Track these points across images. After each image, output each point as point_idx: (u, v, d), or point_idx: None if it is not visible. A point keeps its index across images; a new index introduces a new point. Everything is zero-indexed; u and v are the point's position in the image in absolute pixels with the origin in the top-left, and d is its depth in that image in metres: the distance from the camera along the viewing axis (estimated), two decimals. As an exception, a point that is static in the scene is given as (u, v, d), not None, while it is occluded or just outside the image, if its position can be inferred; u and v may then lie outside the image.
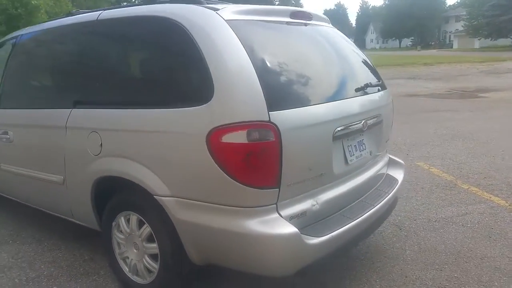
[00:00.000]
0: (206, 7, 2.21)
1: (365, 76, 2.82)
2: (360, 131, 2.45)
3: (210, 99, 1.95)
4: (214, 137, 1.91)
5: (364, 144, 2.57)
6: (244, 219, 1.96)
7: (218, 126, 1.90)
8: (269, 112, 1.89)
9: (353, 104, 2.44)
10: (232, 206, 1.97)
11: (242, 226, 1.95)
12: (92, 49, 2.70)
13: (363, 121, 2.43)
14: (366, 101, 2.58)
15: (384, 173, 2.94)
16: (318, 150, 2.15)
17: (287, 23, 2.44)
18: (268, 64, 2.09)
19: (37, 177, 2.95)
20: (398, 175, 2.97)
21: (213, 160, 1.92)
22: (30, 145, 3.04)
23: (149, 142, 2.19)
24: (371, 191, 2.68)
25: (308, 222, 2.13)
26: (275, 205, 1.99)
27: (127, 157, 2.27)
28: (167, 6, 2.33)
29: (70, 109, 2.62)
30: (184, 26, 2.13)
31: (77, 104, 2.62)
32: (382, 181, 2.86)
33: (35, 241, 3.40)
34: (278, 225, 1.95)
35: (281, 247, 1.97)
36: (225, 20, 2.10)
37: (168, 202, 2.13)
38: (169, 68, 2.26)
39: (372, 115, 2.58)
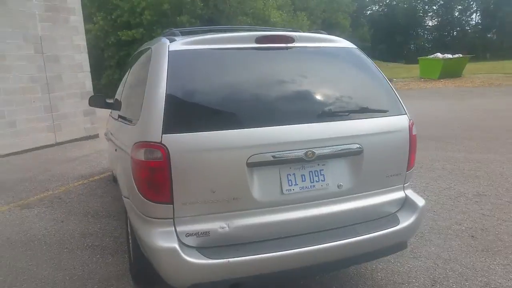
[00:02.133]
0: (170, 39, 2.51)
1: (341, 102, 2.51)
2: (303, 160, 2.25)
3: (138, 119, 2.29)
4: (132, 152, 2.23)
5: (323, 175, 2.35)
6: (150, 228, 2.17)
7: (135, 143, 2.20)
8: (163, 135, 2.06)
9: (290, 131, 2.23)
10: (143, 215, 2.22)
11: (147, 234, 2.18)
12: None
13: (306, 150, 2.24)
14: (321, 129, 2.31)
15: (387, 212, 2.56)
16: (223, 175, 2.13)
17: (253, 48, 2.47)
18: (182, 92, 2.21)
19: None
20: (406, 217, 2.53)
21: (131, 171, 2.25)
22: None
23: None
24: (344, 228, 2.41)
25: (215, 243, 2.16)
26: (172, 220, 2.12)
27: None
28: (159, 38, 2.74)
29: None
30: (151, 54, 2.53)
31: None
32: (375, 220, 2.50)
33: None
34: (164, 238, 2.08)
35: (163, 259, 2.10)
36: (168, 51, 2.35)
37: (125, 202, 2.57)
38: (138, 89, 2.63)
39: (333, 144, 2.32)
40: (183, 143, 2.07)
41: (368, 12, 58.16)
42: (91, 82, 9.85)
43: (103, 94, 4.23)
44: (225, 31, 2.98)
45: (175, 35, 2.59)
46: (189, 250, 2.10)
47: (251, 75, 2.45)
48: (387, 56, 43.86)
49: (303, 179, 2.30)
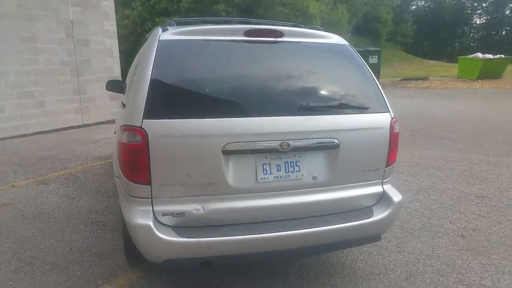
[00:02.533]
0: (164, 28, 2.65)
1: (322, 97, 2.58)
2: (278, 151, 2.35)
3: (128, 104, 2.47)
4: (118, 135, 2.41)
5: (298, 166, 2.45)
6: (131, 206, 2.34)
7: (120, 126, 2.38)
8: (143, 120, 2.22)
9: (266, 122, 2.34)
10: (127, 194, 2.40)
11: (128, 212, 2.35)
12: None
13: (281, 142, 2.34)
14: (298, 122, 2.41)
15: (363, 205, 2.63)
16: (199, 160, 2.26)
17: (241, 41, 2.58)
18: (165, 80, 2.34)
19: None
20: (380, 211, 2.60)
21: (119, 152, 2.43)
22: None
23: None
24: (317, 217, 2.51)
25: (190, 223, 2.32)
26: (150, 200, 2.29)
27: None
28: (156, 27, 2.90)
29: None
30: (145, 42, 2.71)
31: None
32: (349, 212, 2.58)
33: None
34: (141, 216, 2.25)
35: (139, 235, 2.27)
36: (158, 40, 2.50)
37: (116, 181, 2.77)
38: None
39: (309, 137, 2.42)
40: (162, 128, 2.22)
41: (413, 7, 56.36)
42: (119, 68, 10.21)
43: (122, 80, 4.41)
44: (221, 22, 3.09)
45: (170, 25, 2.74)
46: (165, 228, 2.26)
47: (235, 67, 2.56)
48: (430, 54, 42.50)
49: (278, 169, 2.41)
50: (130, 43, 32.86)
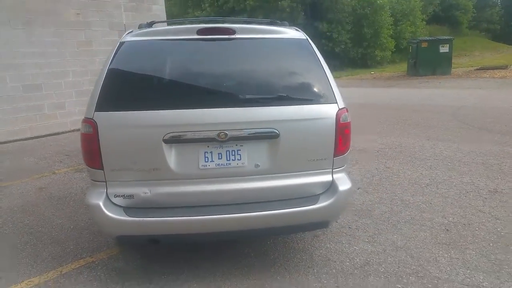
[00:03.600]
0: (130, 31, 2.96)
1: (263, 90, 2.70)
2: (216, 140, 2.53)
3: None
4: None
5: (239, 154, 2.61)
6: (91, 189, 2.68)
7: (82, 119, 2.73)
8: (95, 112, 2.54)
9: (205, 113, 2.53)
10: (90, 178, 2.74)
11: (88, 194, 2.68)
12: None
13: (219, 132, 2.52)
14: (236, 113, 2.56)
15: (311, 192, 2.70)
16: (143, 149, 2.52)
17: (194, 39, 2.80)
18: (117, 77, 2.63)
19: None
20: (325, 199, 2.68)
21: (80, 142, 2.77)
22: None
23: None
24: (259, 203, 2.66)
25: (139, 205, 2.59)
26: (104, 183, 2.61)
27: None
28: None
29: None
30: None
31: None
32: (293, 199, 2.69)
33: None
34: (95, 197, 2.57)
35: (92, 213, 2.62)
36: (119, 42, 2.82)
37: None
38: None
39: (247, 128, 2.57)
40: (110, 120, 2.53)
41: (503, -9, 51.46)
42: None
43: None
44: (196, 23, 3.33)
45: (140, 27, 3.04)
46: (116, 208, 2.57)
47: (182, 63, 2.79)
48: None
49: (220, 157, 2.60)
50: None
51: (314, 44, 2.96)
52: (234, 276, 2.81)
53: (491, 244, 3.11)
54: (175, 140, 2.53)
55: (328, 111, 2.68)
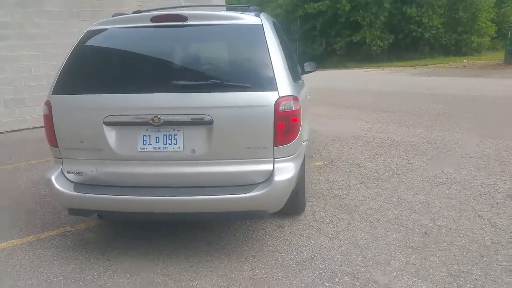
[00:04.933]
0: (99, 20, 3.14)
1: (201, 76, 2.70)
2: (151, 124, 2.61)
3: None
4: None
5: (176, 139, 2.68)
6: (52, 165, 2.95)
7: None
8: (51, 95, 2.79)
9: (141, 98, 2.64)
10: (52, 155, 3.01)
11: (48, 169, 2.98)
12: None
13: (153, 116, 2.61)
14: (171, 98, 2.61)
15: (250, 180, 2.67)
16: (87, 129, 2.72)
17: (148, 27, 2.90)
18: (73, 63, 2.82)
19: None
20: (261, 188, 2.63)
21: None
22: None
23: None
24: (194, 187, 2.69)
25: (88, 181, 2.81)
26: (60, 160, 2.86)
27: None
28: None
29: None
30: None
31: None
32: (229, 186, 2.69)
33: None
34: (50, 172, 2.84)
35: (46, 186, 2.88)
36: (86, 30, 3.02)
37: None
38: None
39: (181, 113, 2.61)
40: (62, 102, 2.78)
41: None
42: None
43: None
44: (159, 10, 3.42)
45: (113, 16, 3.22)
46: (68, 183, 2.81)
47: (129, 50, 2.94)
48: None
49: (157, 141, 2.70)
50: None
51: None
52: (178, 255, 2.89)
53: (463, 254, 2.79)
54: (114, 123, 2.69)
55: (266, 98, 2.61)
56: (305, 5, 31.17)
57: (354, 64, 27.79)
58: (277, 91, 2.63)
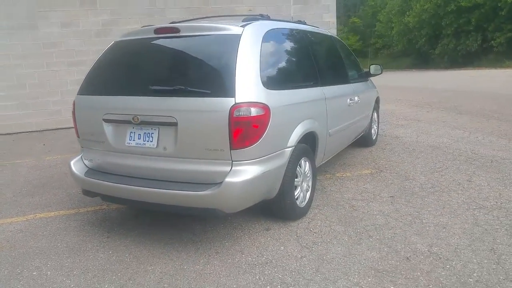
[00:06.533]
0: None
1: (172, 82, 2.97)
2: (132, 123, 3.06)
3: None
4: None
5: (152, 137, 3.03)
6: (79, 153, 3.62)
7: None
8: (76, 95, 3.44)
9: (127, 100, 3.09)
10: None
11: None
12: None
13: (133, 116, 3.01)
14: (147, 101, 2.97)
15: (211, 179, 2.87)
16: (92, 125, 3.29)
17: (152, 38, 3.31)
18: (94, 69, 3.46)
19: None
20: (214, 188, 2.81)
21: None
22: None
23: None
24: (161, 181, 3.02)
25: (97, 168, 3.37)
26: (82, 148, 3.49)
27: None
28: None
29: None
30: None
31: None
32: (190, 183, 2.93)
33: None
34: (74, 158, 3.49)
35: (68, 169, 3.50)
36: (114, 41, 3.58)
37: None
38: None
39: (153, 114, 2.96)
40: (80, 101, 3.44)
41: None
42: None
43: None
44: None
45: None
46: (84, 168, 3.42)
47: (127, 59, 3.41)
48: None
49: (139, 138, 3.10)
50: (430, 27, 31.83)
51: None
52: (160, 241, 3.23)
53: (429, 287, 2.49)
54: (109, 120, 3.19)
55: (223, 104, 2.77)
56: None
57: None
58: (234, 97, 2.75)
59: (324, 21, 10.72)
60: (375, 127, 6.26)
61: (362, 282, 2.56)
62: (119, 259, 3.00)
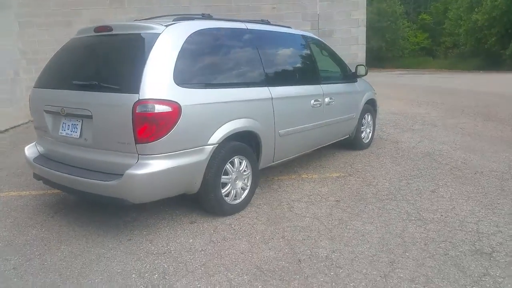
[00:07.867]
0: None
1: (91, 78, 3.26)
2: (60, 114, 3.35)
3: None
4: None
5: (76, 128, 3.28)
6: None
7: None
8: (32, 88, 3.77)
9: (58, 94, 3.39)
10: None
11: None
12: None
13: (61, 108, 3.29)
14: (71, 95, 3.27)
15: (120, 170, 3.00)
16: (39, 115, 3.61)
17: (91, 36, 3.56)
18: (48, 64, 3.74)
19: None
20: (117, 179, 2.99)
21: None
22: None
23: None
24: (80, 168, 3.30)
25: (44, 154, 3.71)
26: (37, 136, 3.84)
27: None
28: None
29: None
30: None
31: None
32: (101, 172, 3.16)
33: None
34: (29, 144, 3.84)
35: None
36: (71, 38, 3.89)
37: None
38: None
39: (74, 107, 3.23)
40: (34, 93, 3.76)
41: None
42: (364, 54, 10.70)
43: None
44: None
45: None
46: (36, 153, 3.78)
47: (70, 55, 3.65)
48: None
49: (68, 128, 3.38)
50: (503, 25, 29.40)
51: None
52: (102, 224, 3.48)
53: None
54: (48, 111, 3.50)
55: (127, 100, 2.94)
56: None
57: None
58: (138, 94, 2.90)
59: (353, 18, 10.45)
60: (368, 130, 6.05)
61: (236, 279, 2.62)
62: (45, 237, 3.29)
